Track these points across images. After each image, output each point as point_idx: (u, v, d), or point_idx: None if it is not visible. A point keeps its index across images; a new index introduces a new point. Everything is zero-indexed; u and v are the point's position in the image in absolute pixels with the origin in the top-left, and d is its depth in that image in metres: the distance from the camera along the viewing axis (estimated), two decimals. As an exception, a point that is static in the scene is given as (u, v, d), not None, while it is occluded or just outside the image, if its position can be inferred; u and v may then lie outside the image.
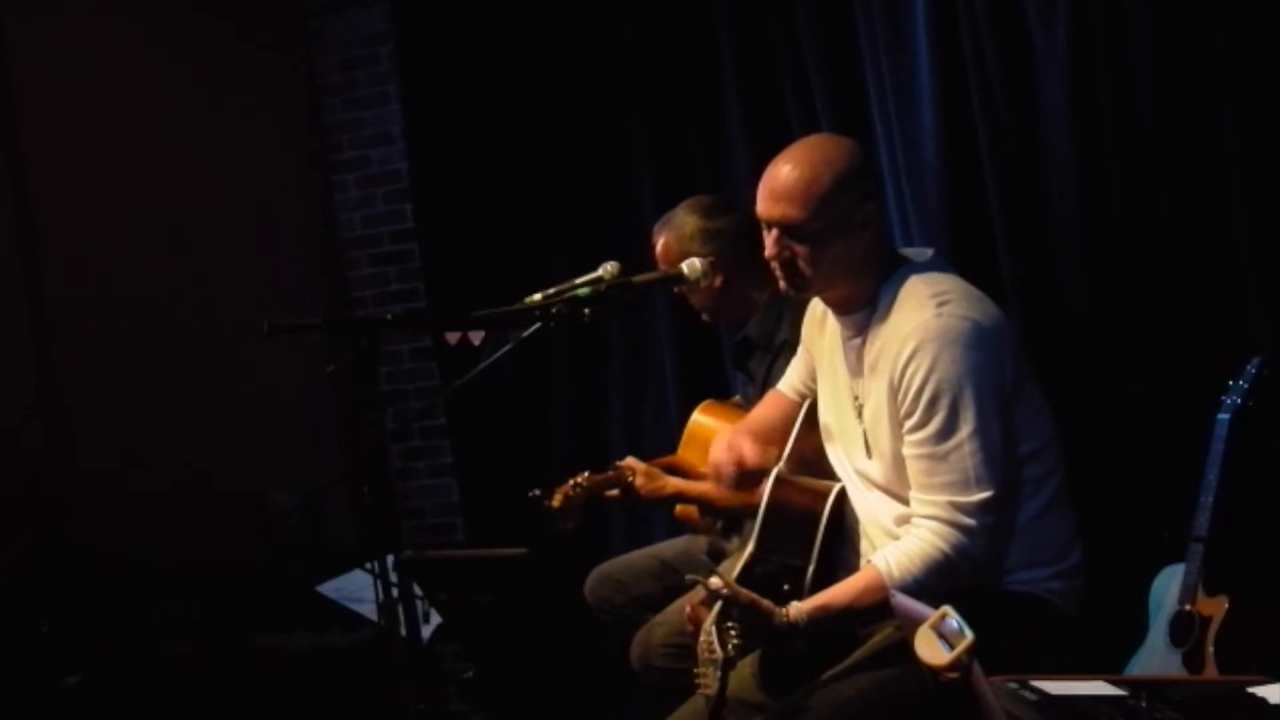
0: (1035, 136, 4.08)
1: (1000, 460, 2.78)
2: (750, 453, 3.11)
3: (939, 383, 2.75)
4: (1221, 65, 3.75)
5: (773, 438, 3.18)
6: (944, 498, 2.77)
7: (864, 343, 2.92)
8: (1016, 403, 2.84)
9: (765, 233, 2.92)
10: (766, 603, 2.76)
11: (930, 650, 2.15)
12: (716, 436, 3.27)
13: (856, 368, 2.95)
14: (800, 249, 2.87)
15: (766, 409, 3.31)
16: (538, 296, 3.14)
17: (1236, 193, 3.76)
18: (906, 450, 2.82)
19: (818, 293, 2.99)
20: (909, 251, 3.00)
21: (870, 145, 4.36)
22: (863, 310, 2.92)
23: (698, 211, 3.73)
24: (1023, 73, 4.06)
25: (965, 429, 2.75)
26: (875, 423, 2.89)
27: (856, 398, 2.95)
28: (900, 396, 2.80)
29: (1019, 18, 4.04)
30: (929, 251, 2.99)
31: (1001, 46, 4.06)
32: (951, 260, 3.06)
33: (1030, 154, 4.09)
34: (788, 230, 2.88)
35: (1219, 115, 3.77)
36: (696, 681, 2.85)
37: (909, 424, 2.80)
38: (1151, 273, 3.91)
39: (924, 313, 2.80)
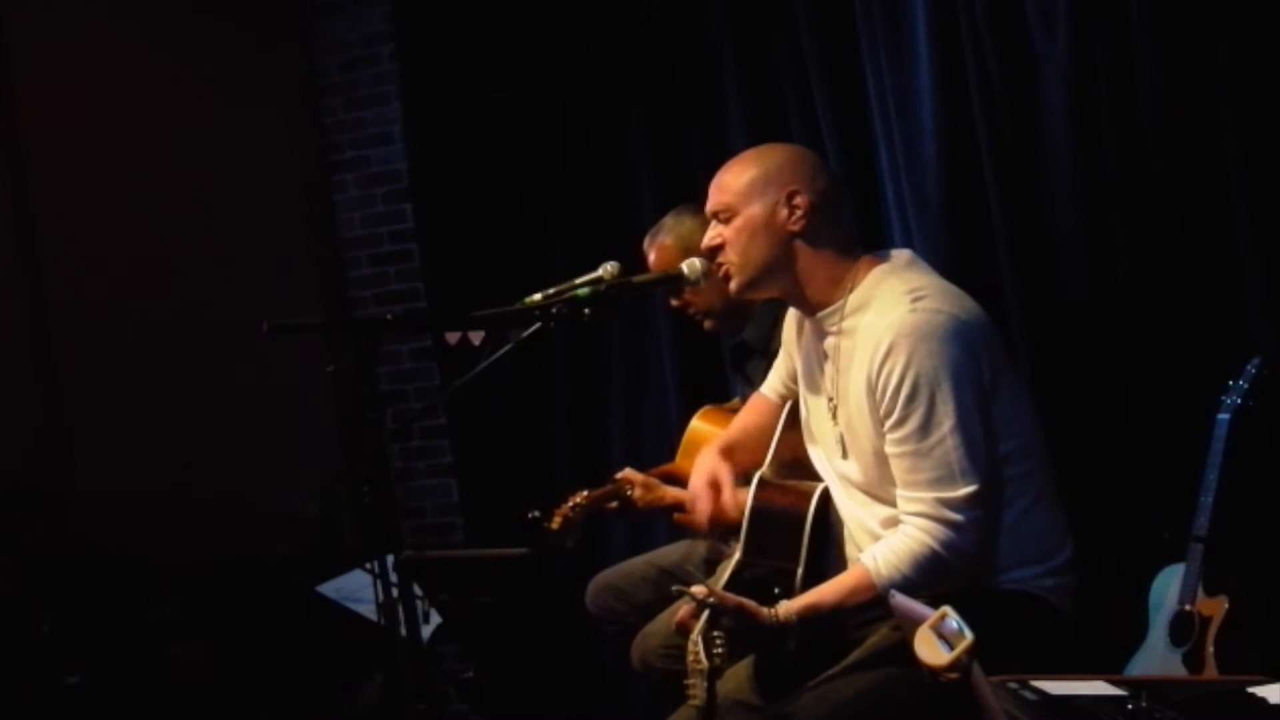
0: (1035, 137, 4.07)
1: (983, 453, 2.77)
2: (729, 498, 3.09)
3: (916, 377, 2.74)
4: (1222, 65, 3.74)
5: (757, 447, 3.17)
6: (929, 494, 2.76)
7: (836, 342, 2.91)
8: (992, 401, 2.82)
9: None
10: (753, 604, 2.76)
11: (930, 651, 2.14)
12: (700, 454, 3.22)
13: (829, 368, 2.95)
14: (726, 231, 2.95)
15: (749, 416, 3.31)
16: (538, 296, 3.13)
17: (1236, 192, 3.76)
18: (889, 448, 2.81)
19: (751, 284, 2.96)
20: (887, 252, 2.98)
21: (870, 145, 4.37)
22: (832, 310, 2.91)
23: (689, 213, 3.75)
24: (1023, 73, 4.06)
25: (946, 423, 2.74)
26: (851, 423, 2.88)
27: (831, 399, 2.95)
28: (878, 394, 2.79)
29: (1019, 18, 4.04)
30: (906, 252, 2.98)
31: (1001, 47, 4.06)
32: (951, 260, 3.06)
33: (1030, 154, 4.08)
34: (716, 216, 2.97)
35: (1219, 115, 3.77)
36: (687, 692, 2.85)
37: (889, 422, 2.79)
38: (1151, 273, 3.91)
39: (899, 309, 2.79)
